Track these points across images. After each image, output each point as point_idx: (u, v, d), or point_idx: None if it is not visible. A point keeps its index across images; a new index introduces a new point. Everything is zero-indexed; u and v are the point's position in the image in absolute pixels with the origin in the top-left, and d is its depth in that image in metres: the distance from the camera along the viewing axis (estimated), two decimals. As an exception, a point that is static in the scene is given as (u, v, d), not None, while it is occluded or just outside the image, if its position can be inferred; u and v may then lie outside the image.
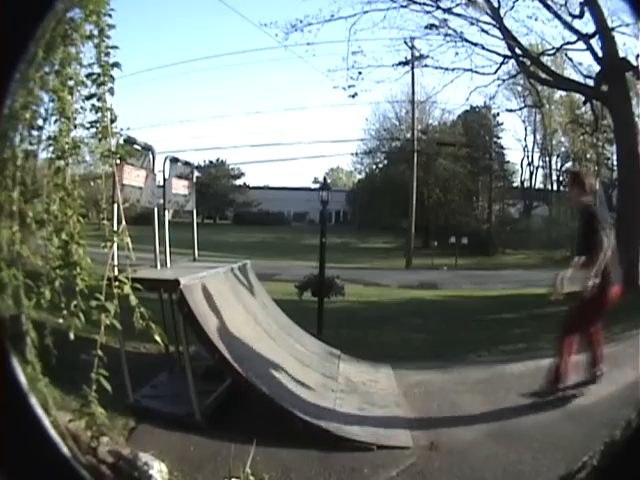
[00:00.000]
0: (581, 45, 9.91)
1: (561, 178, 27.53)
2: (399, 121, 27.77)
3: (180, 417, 3.08)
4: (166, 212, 4.10)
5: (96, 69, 2.32)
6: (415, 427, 3.12)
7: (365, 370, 4.25)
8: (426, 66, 12.83)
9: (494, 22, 10.37)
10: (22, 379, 1.21)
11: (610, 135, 14.64)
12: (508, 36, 10.31)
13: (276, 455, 2.70)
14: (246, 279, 4.42)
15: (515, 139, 36.04)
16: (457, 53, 11.05)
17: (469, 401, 3.60)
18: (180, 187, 4.40)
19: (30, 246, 2.16)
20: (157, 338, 2.24)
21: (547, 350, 5.06)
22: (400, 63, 12.72)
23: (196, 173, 5.13)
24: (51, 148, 2.29)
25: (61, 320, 2.12)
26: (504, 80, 13.09)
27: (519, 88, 20.78)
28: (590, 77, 10.29)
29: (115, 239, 2.31)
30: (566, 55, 11.50)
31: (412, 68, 14.97)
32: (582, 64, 11.01)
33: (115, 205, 2.75)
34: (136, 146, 3.55)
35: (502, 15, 10.32)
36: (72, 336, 2.07)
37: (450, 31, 10.87)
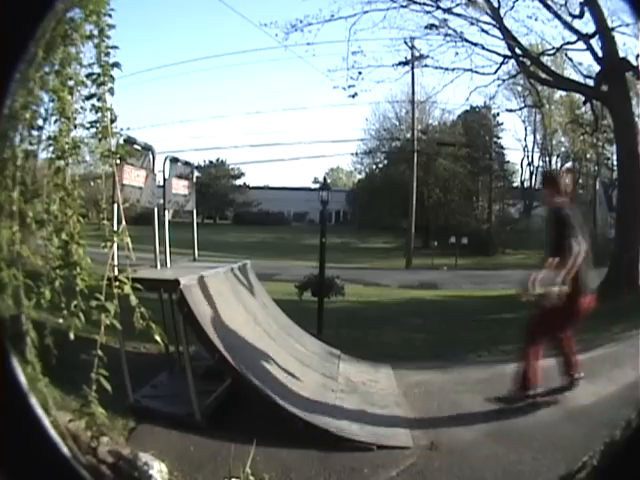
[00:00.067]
0: (581, 45, 9.91)
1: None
2: (399, 121, 27.78)
3: (180, 417, 3.08)
4: (166, 212, 4.11)
5: (96, 69, 2.33)
6: (415, 427, 3.12)
7: (365, 370, 4.25)
8: (426, 66, 12.83)
9: (494, 22, 10.37)
10: (22, 379, 1.21)
11: (610, 135, 14.62)
12: (508, 36, 10.31)
13: (276, 455, 2.70)
14: (246, 279, 4.42)
15: (515, 139, 36.05)
16: (457, 53, 11.04)
17: (469, 401, 3.60)
18: (180, 187, 4.40)
19: (30, 246, 2.16)
20: (157, 338, 2.24)
21: (547, 350, 5.08)
22: (400, 63, 12.72)
23: (196, 173, 5.13)
24: (51, 148, 2.29)
25: (61, 320, 2.12)
26: (504, 80, 13.08)
27: (519, 88, 20.77)
28: (590, 77, 10.29)
29: (115, 239, 2.31)
30: (566, 55, 11.50)
31: (412, 68, 14.96)
32: (582, 64, 11.02)
33: (115, 205, 2.75)
34: (136, 146, 3.55)
35: (502, 15, 10.31)
36: (72, 336, 2.07)
37: (450, 31, 10.87)
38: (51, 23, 1.95)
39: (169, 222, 4.13)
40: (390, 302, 9.43)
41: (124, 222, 2.41)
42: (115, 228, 2.42)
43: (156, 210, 3.94)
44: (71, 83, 2.31)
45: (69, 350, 2.10)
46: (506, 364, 4.56)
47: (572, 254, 3.18)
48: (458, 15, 10.67)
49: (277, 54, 52.56)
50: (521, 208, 28.46)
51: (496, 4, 10.31)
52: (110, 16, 2.33)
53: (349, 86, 11.57)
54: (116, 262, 2.47)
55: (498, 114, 25.83)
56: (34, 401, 1.21)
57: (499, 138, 27.98)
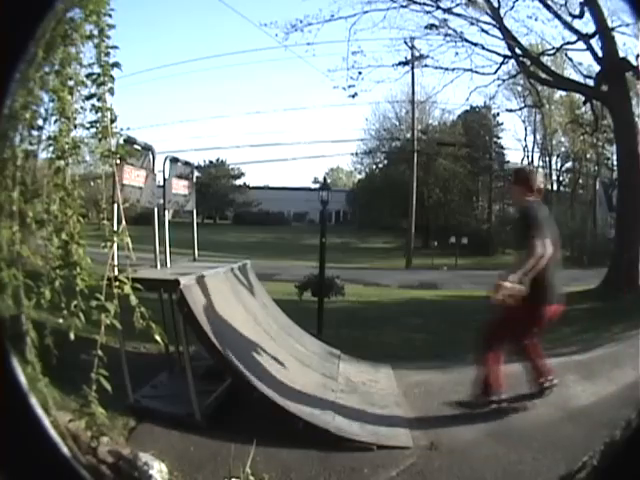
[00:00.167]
0: (581, 45, 9.93)
1: (561, 178, 27.58)
2: (399, 121, 27.80)
3: (180, 417, 3.08)
4: (166, 212, 4.10)
5: (96, 69, 2.32)
6: (415, 427, 3.12)
7: (365, 370, 4.25)
8: (426, 66, 12.86)
9: (494, 22, 10.38)
10: (22, 379, 1.21)
11: (610, 135, 14.64)
12: (508, 36, 10.32)
13: (276, 455, 2.70)
14: (246, 279, 4.42)
15: (515, 139, 36.14)
16: (457, 53, 11.07)
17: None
18: (180, 187, 4.40)
19: (30, 246, 2.16)
20: (157, 338, 2.24)
21: (547, 350, 5.07)
22: (400, 63, 12.74)
23: (196, 173, 5.13)
24: (51, 148, 2.28)
25: (61, 320, 2.12)
26: (504, 80, 13.11)
27: (519, 88, 20.79)
28: (590, 77, 10.31)
29: (115, 239, 2.31)
30: (566, 55, 11.52)
31: (412, 68, 14.99)
32: (582, 64, 11.04)
33: (115, 205, 2.74)
34: (136, 146, 3.54)
35: (502, 15, 10.34)
36: (72, 336, 2.07)
37: (450, 31, 10.89)
38: (51, 23, 1.95)
39: (169, 222, 4.13)
40: (390, 302, 9.43)
41: (124, 222, 2.40)
42: (115, 228, 2.42)
43: (156, 210, 3.94)
44: (71, 83, 2.31)
45: (69, 350, 2.09)
46: (506, 364, 4.58)
47: (534, 255, 3.00)
48: (458, 15, 10.71)
49: (277, 54, 52.70)
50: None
51: (496, 4, 10.33)
52: (110, 16, 2.33)
53: (349, 86, 11.61)
54: (116, 262, 2.47)
55: (498, 114, 25.89)
56: (34, 401, 1.21)
57: (499, 138, 28.03)
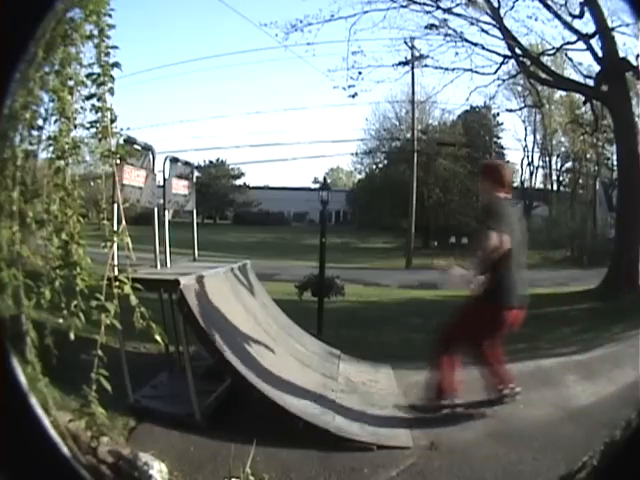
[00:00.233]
0: (581, 45, 9.92)
1: (561, 178, 27.58)
2: (399, 121, 27.76)
3: (180, 417, 3.08)
4: (166, 212, 4.10)
5: (96, 69, 2.32)
6: (415, 427, 3.12)
7: (365, 370, 4.25)
8: (426, 66, 12.84)
9: (494, 22, 10.38)
10: (22, 379, 1.21)
11: (610, 135, 14.63)
12: (508, 36, 10.32)
13: (276, 455, 2.70)
14: (246, 279, 4.42)
15: (515, 139, 36.04)
16: (457, 53, 11.05)
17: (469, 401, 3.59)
18: (180, 187, 4.40)
19: (30, 246, 2.16)
20: (157, 338, 2.24)
21: (547, 350, 5.08)
22: (400, 63, 12.72)
23: (196, 173, 5.13)
24: (51, 148, 2.28)
25: (61, 320, 2.12)
26: (504, 80, 13.09)
27: (519, 88, 20.79)
28: (590, 77, 10.30)
29: (115, 239, 2.31)
30: (566, 55, 11.51)
31: (412, 68, 14.96)
32: (582, 64, 11.03)
33: (115, 205, 2.74)
34: (136, 146, 3.55)
35: (502, 15, 10.32)
36: (72, 336, 2.07)
37: (450, 31, 10.87)
38: (51, 23, 1.95)
39: (169, 222, 4.13)
40: (390, 302, 9.42)
41: (124, 222, 2.40)
42: (115, 228, 2.42)
43: (156, 210, 3.94)
44: (71, 83, 2.31)
45: (69, 350, 2.09)
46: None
47: (485, 245, 2.85)
48: (458, 15, 10.69)
49: (277, 54, 52.65)
50: (521, 208, 28.46)
51: (496, 4, 10.32)
52: (110, 16, 2.33)
53: (349, 86, 11.58)
54: (116, 262, 2.47)
55: (498, 114, 25.87)
56: (34, 401, 1.21)
57: (499, 138, 28.00)
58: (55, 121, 2.30)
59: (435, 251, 21.58)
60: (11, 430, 1.13)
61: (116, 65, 2.34)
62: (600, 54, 9.18)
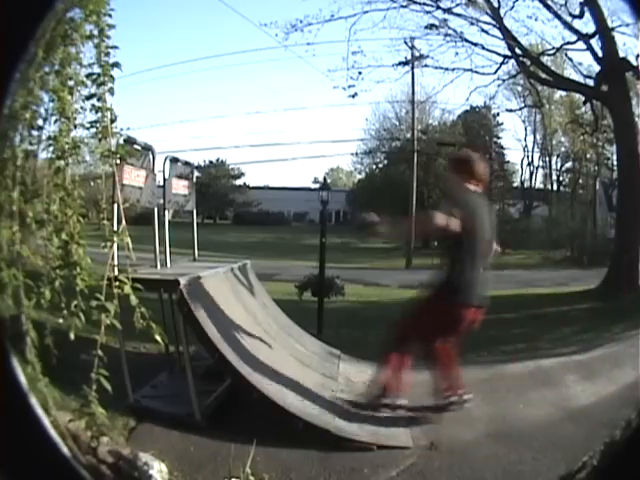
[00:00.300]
0: (581, 45, 9.93)
1: (561, 178, 27.58)
2: (399, 121, 27.79)
3: (180, 417, 3.08)
4: (166, 212, 4.10)
5: (96, 69, 2.32)
6: (415, 427, 3.11)
7: (365, 370, 4.25)
8: (426, 66, 12.82)
9: (494, 22, 10.38)
10: (22, 379, 1.21)
11: (610, 135, 14.64)
12: (508, 36, 10.32)
13: (276, 455, 2.70)
14: (246, 279, 4.42)
15: (515, 139, 36.12)
16: (457, 53, 11.05)
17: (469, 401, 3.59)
18: (180, 187, 4.40)
19: (30, 246, 2.16)
20: (157, 338, 2.24)
21: (547, 350, 5.08)
22: (400, 63, 12.72)
23: (196, 173, 5.13)
24: (51, 148, 2.28)
25: (61, 320, 2.12)
26: (504, 80, 13.09)
27: (519, 88, 20.81)
28: (590, 77, 10.30)
29: (115, 239, 2.31)
30: (566, 55, 11.51)
31: (412, 68, 14.96)
32: (582, 64, 11.03)
33: (115, 205, 2.74)
34: (136, 146, 3.54)
35: (502, 15, 10.32)
36: (72, 336, 2.07)
37: (450, 31, 10.87)
38: (51, 23, 1.95)
39: (169, 222, 4.13)
40: (390, 302, 9.41)
41: (124, 222, 2.40)
42: (115, 228, 2.42)
43: (156, 210, 3.94)
44: (71, 83, 2.31)
45: (69, 350, 2.09)
46: (506, 364, 4.58)
47: (427, 217, 2.73)
48: (458, 15, 10.69)
49: (277, 54, 52.76)
50: (521, 208, 28.46)
51: (496, 4, 10.32)
52: (110, 16, 2.33)
53: (349, 86, 11.58)
54: (116, 262, 2.47)
55: (498, 114, 25.89)
56: (34, 401, 1.21)
57: (499, 138, 28.03)
58: (55, 121, 2.30)
59: (435, 251, 21.52)
60: (11, 430, 1.13)
61: (116, 65, 2.34)
62: (600, 54, 9.18)
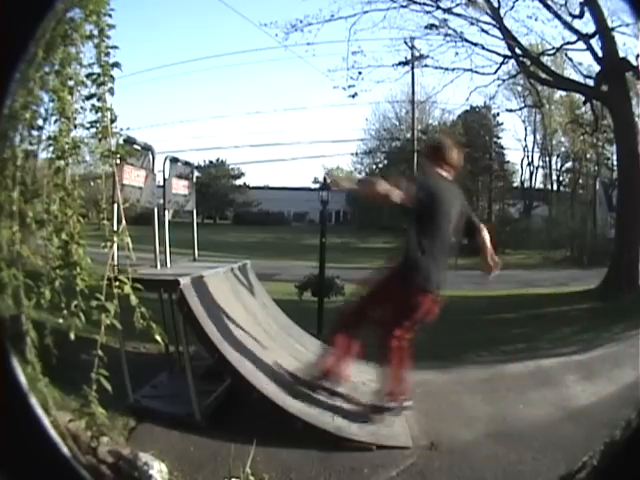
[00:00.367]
0: (581, 45, 9.94)
1: (561, 178, 27.57)
2: (399, 121, 27.81)
3: (180, 417, 3.08)
4: (166, 212, 4.10)
5: (96, 69, 2.33)
6: (415, 427, 3.11)
7: (365, 370, 4.25)
8: (426, 66, 12.83)
9: (494, 22, 10.39)
10: (22, 379, 1.21)
11: (610, 135, 14.64)
12: (508, 36, 10.33)
13: (276, 455, 2.70)
14: (246, 279, 4.42)
15: (515, 139, 36.12)
16: (457, 53, 11.06)
17: (469, 401, 3.60)
18: (180, 187, 4.40)
19: (30, 246, 2.16)
20: (157, 338, 2.24)
21: (547, 350, 5.09)
22: (400, 63, 12.72)
23: (196, 173, 5.13)
24: (51, 148, 2.29)
25: (61, 320, 2.12)
26: (504, 80, 13.10)
27: (519, 88, 20.78)
28: (590, 77, 10.31)
29: (115, 239, 2.31)
30: (566, 55, 11.52)
31: (412, 68, 14.93)
32: (582, 64, 11.04)
33: (115, 205, 2.74)
34: (136, 146, 3.54)
35: (502, 15, 10.33)
36: (72, 336, 2.07)
37: (450, 31, 10.88)
38: (51, 23, 1.95)
39: (169, 222, 4.13)
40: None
41: (124, 222, 2.40)
42: (115, 228, 2.42)
43: (156, 210, 3.94)
44: (71, 83, 2.31)
45: (69, 350, 2.10)
46: (506, 364, 4.59)
47: (387, 186, 2.66)
48: (458, 15, 10.70)
49: (277, 54, 52.68)
50: (521, 208, 28.45)
51: (496, 4, 10.33)
52: (110, 16, 2.33)
53: (349, 86, 11.61)
54: (116, 262, 2.47)
55: (498, 114, 25.84)
56: (34, 401, 1.21)
57: (499, 138, 28.00)
58: (55, 121, 2.30)
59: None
60: (11, 430, 1.13)
61: (116, 65, 2.34)
62: (600, 54, 9.19)
